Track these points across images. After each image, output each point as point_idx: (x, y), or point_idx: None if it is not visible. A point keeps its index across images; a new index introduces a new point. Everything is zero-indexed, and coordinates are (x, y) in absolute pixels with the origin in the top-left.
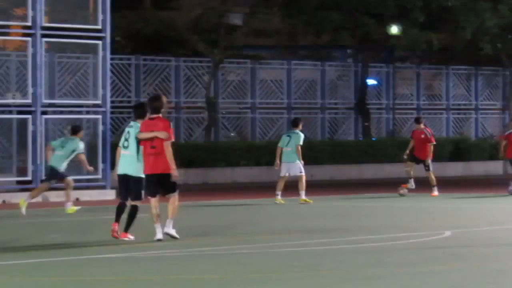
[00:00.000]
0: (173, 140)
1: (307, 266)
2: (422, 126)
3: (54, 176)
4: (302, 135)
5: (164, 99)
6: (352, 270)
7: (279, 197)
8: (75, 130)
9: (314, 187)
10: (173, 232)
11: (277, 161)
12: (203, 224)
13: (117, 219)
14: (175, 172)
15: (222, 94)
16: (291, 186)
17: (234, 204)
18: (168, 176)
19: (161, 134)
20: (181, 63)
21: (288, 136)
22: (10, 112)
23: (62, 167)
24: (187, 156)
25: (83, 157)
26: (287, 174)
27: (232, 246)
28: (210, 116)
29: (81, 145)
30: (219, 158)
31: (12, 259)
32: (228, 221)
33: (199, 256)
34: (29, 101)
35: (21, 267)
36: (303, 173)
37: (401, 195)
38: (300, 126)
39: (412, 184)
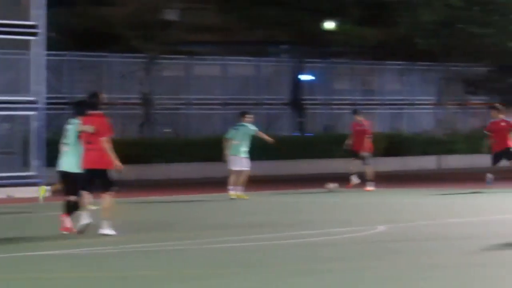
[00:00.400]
0: (111, 135)
1: (246, 262)
2: (359, 118)
3: None
4: (251, 126)
5: (102, 96)
6: (289, 265)
7: (232, 192)
8: None
9: (250, 182)
10: (108, 231)
11: (226, 153)
12: (140, 220)
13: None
14: (118, 164)
15: (157, 90)
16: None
17: (171, 200)
18: (105, 172)
19: (89, 128)
20: (116, 59)
21: (235, 129)
22: None
23: None
24: (122, 152)
25: None
26: (235, 168)
27: (170, 242)
28: (145, 112)
29: None
30: (154, 154)
31: None
32: (165, 217)
33: (138, 253)
34: None
35: None
36: (248, 169)
37: (330, 190)
38: (248, 118)
39: (354, 179)
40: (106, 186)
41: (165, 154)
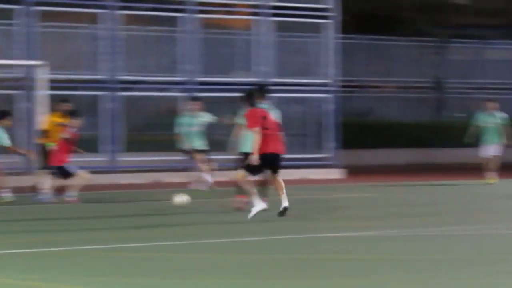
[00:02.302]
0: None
1: None
2: None
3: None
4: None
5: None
6: None
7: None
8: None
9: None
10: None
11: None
12: (433, 203)
13: None
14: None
15: (447, 74)
16: None
17: (459, 184)
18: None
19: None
20: (403, 43)
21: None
22: (235, 91)
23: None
24: (414, 135)
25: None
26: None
27: (447, 228)
28: (438, 96)
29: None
30: (445, 138)
31: (227, 236)
32: (449, 201)
33: (429, 237)
34: (257, 79)
35: (231, 245)
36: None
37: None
38: None
39: None
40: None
41: (457, 139)
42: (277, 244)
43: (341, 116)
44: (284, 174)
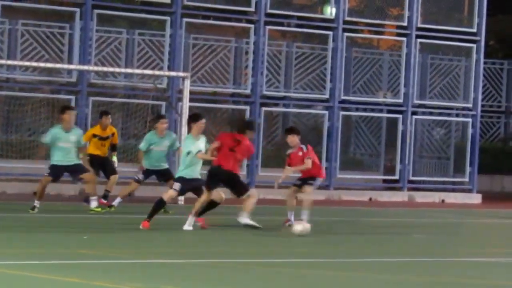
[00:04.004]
0: None
1: None
2: None
3: None
4: None
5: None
6: None
7: None
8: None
9: None
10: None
11: None
12: None
13: None
14: None
15: None
16: None
17: None
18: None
19: None
20: None
21: None
22: (380, 111)
23: None
24: None
25: None
26: None
27: None
28: None
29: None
30: None
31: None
32: None
33: None
34: (400, 100)
35: (386, 265)
36: None
37: None
38: None
39: None
40: None
41: None
42: (412, 267)
43: (482, 140)
44: (421, 196)
